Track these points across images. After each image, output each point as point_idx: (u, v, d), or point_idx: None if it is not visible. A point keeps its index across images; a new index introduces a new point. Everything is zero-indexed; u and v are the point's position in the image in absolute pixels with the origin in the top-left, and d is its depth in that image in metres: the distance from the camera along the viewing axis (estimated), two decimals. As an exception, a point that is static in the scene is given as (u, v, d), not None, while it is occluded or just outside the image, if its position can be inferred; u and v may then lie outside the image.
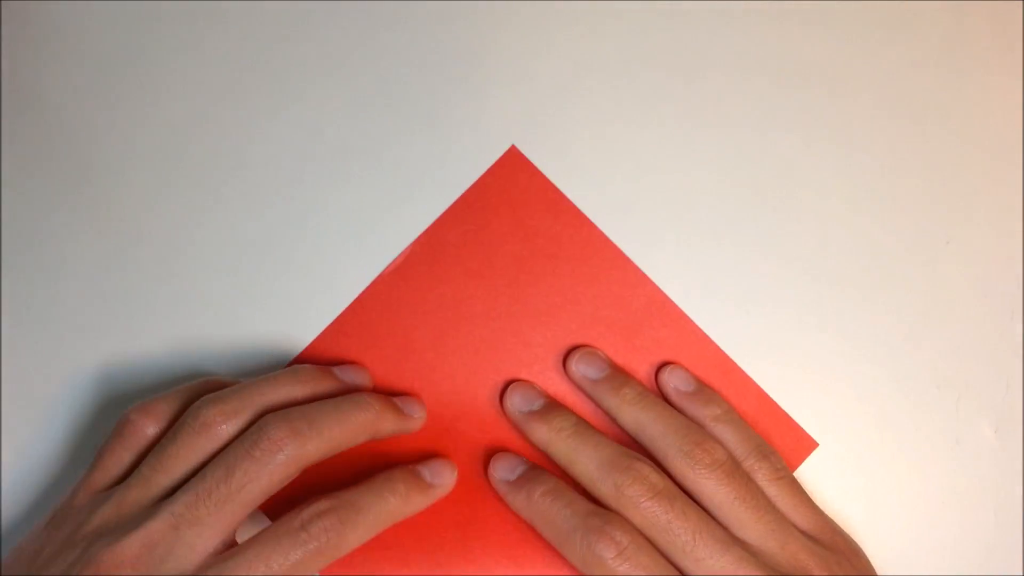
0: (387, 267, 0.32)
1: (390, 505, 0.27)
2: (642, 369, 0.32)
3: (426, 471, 0.29)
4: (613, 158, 0.33)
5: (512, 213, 0.32)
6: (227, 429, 0.27)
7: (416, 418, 0.30)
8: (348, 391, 0.30)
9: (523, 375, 0.32)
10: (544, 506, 0.28)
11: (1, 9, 0.34)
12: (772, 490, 0.29)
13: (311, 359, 0.32)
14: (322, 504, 0.26)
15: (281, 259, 0.33)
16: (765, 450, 0.30)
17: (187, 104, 0.34)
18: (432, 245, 0.32)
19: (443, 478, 0.30)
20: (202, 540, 0.25)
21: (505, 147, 0.33)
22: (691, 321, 0.32)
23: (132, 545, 0.25)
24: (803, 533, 0.29)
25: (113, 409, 0.32)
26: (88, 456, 0.29)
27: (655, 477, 0.28)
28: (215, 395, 0.27)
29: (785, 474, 0.30)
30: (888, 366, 0.32)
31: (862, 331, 0.32)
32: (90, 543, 0.25)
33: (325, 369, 0.30)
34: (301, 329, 0.32)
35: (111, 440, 0.28)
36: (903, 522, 0.32)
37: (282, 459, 0.26)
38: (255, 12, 0.34)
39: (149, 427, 0.28)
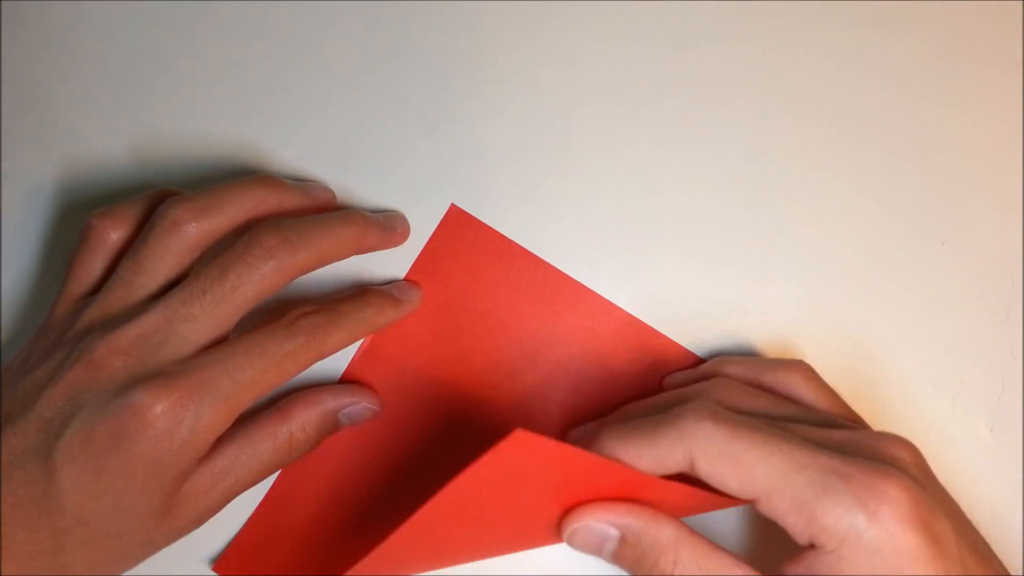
0: (355, 353, 0.32)
1: (366, 314, 0.29)
2: (630, 392, 0.31)
3: (395, 290, 0.31)
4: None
5: (466, 270, 0.32)
6: (196, 227, 0.27)
7: (399, 231, 0.32)
8: (318, 205, 0.31)
9: (504, 428, 0.30)
10: (615, 427, 0.25)
11: (1, 9, 0.34)
12: (816, 395, 0.28)
13: None
14: (308, 307, 0.28)
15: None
16: (793, 363, 0.29)
17: (187, 104, 0.34)
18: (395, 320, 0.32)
19: (411, 294, 0.31)
20: (196, 334, 0.26)
21: (444, 206, 0.33)
22: (667, 337, 0.32)
23: (127, 334, 0.25)
24: None
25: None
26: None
27: (706, 402, 0.25)
28: (183, 195, 0.28)
29: (821, 380, 0.29)
30: (884, 365, 0.32)
31: (858, 331, 0.32)
32: (80, 339, 0.26)
33: (287, 181, 0.31)
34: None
35: (78, 248, 0.28)
36: (899, 521, 0.32)
37: (273, 265, 0.27)
38: (256, 12, 0.34)
39: (112, 232, 0.28)
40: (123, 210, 0.29)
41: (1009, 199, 0.33)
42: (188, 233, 0.27)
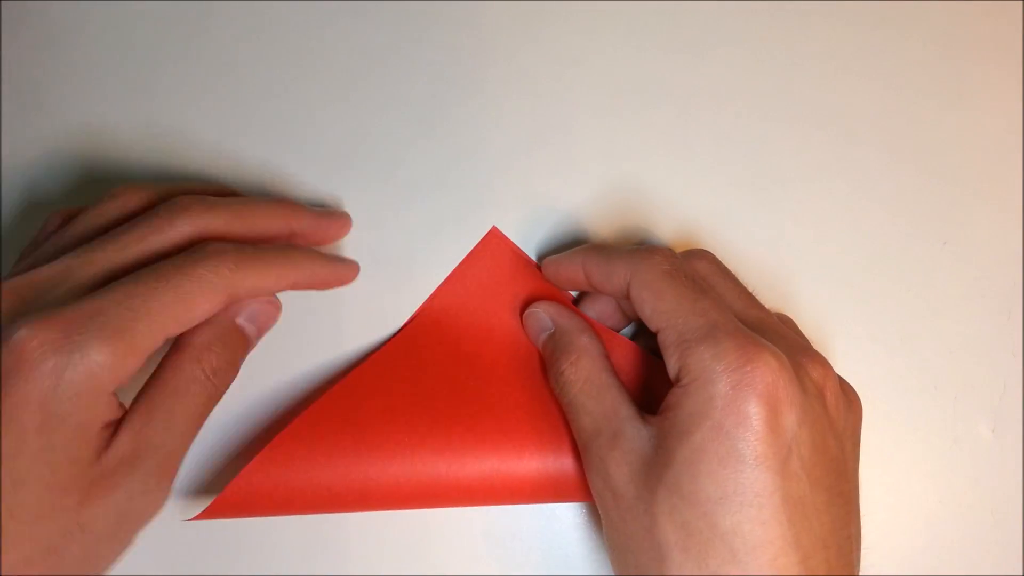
0: (376, 351, 0.32)
1: (291, 258, 0.27)
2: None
3: (328, 237, 0.31)
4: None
5: (498, 288, 0.32)
6: (137, 203, 0.27)
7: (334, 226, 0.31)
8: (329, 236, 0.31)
9: (531, 442, 0.30)
10: (583, 252, 0.29)
11: (1, 9, 0.34)
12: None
13: (300, 432, 0.31)
14: (222, 243, 0.25)
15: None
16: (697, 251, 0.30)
17: (187, 104, 0.34)
18: (417, 330, 0.32)
19: (345, 262, 0.30)
20: (92, 279, 0.24)
21: (486, 227, 0.33)
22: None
23: (24, 279, 0.24)
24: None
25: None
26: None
27: (670, 251, 0.27)
28: (201, 196, 0.27)
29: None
30: (886, 366, 0.32)
31: (860, 331, 0.32)
32: None
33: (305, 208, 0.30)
34: (292, 407, 0.32)
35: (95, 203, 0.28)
36: (901, 522, 0.32)
37: (187, 221, 0.25)
38: (256, 12, 0.34)
39: (131, 202, 0.27)
40: (148, 189, 0.28)
41: (1010, 199, 0.33)
42: (126, 205, 0.26)
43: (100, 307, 0.22)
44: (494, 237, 0.32)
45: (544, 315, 0.30)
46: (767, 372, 0.23)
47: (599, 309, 0.31)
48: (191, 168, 0.33)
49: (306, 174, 0.33)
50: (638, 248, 0.27)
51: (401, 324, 0.32)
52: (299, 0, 0.34)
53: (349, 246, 0.33)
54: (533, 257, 0.32)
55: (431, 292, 0.32)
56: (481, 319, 0.32)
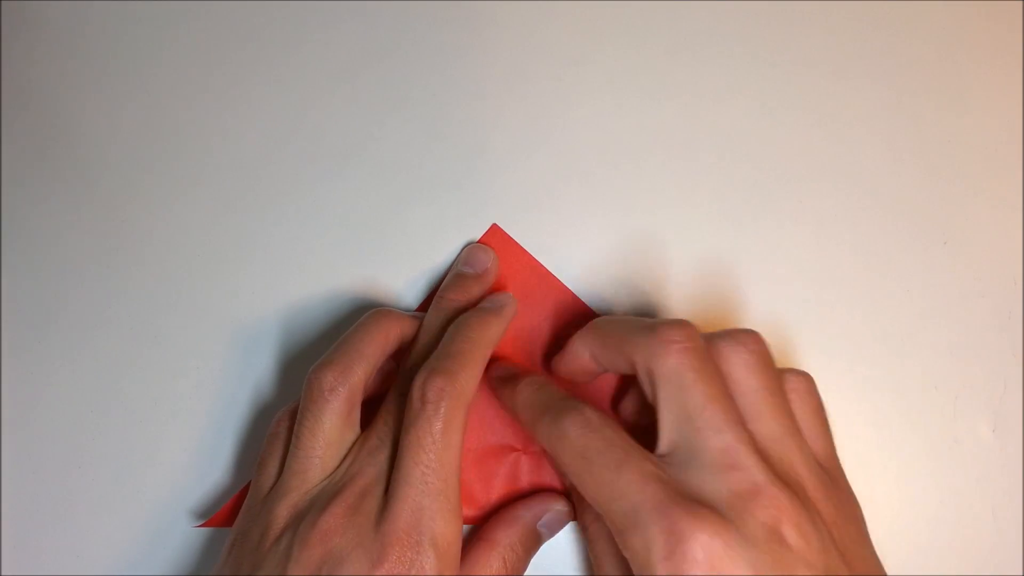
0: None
1: (480, 341, 0.28)
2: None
3: (488, 303, 0.30)
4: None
5: (499, 283, 0.32)
6: (345, 390, 0.27)
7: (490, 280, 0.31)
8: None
9: (521, 447, 0.31)
10: (524, 393, 0.28)
11: (1, 9, 0.34)
12: (797, 404, 0.26)
13: None
14: (422, 372, 0.26)
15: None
16: (798, 371, 0.27)
17: (187, 104, 0.34)
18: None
19: (505, 300, 0.30)
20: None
21: (486, 224, 0.33)
22: None
23: (334, 510, 0.25)
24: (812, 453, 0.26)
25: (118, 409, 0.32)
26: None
27: (693, 331, 0.25)
28: (321, 361, 0.27)
29: (817, 399, 0.27)
30: (886, 366, 0.32)
31: (860, 331, 0.32)
32: (290, 530, 0.25)
33: (396, 310, 0.30)
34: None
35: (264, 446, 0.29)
36: (902, 522, 0.32)
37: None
38: (255, 12, 0.34)
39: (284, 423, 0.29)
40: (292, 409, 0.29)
41: (1010, 198, 0.33)
42: (340, 397, 0.27)
43: (416, 510, 0.25)
44: (496, 233, 0.32)
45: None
46: (699, 549, 0.21)
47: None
48: (191, 168, 0.33)
49: (306, 174, 0.33)
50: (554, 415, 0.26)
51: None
52: (299, 0, 0.34)
53: (349, 246, 0.33)
54: (534, 256, 0.32)
55: (432, 290, 0.32)
56: None
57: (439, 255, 0.33)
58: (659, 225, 0.33)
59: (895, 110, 0.33)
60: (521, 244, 0.32)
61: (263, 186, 0.33)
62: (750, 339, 0.26)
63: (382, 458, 0.26)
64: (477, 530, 0.29)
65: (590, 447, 0.24)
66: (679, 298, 0.32)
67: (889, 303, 0.32)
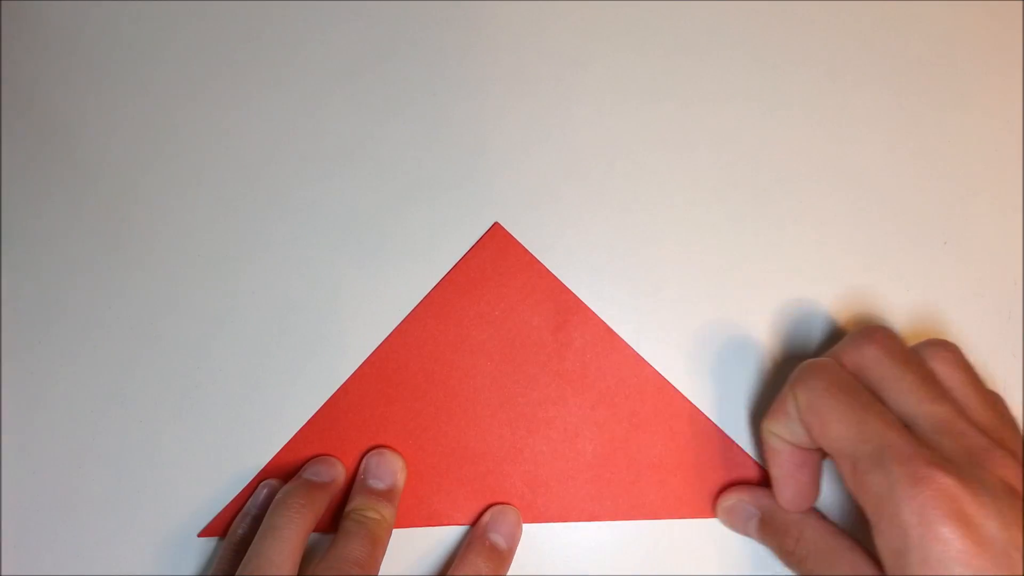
0: (374, 350, 0.32)
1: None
2: (632, 436, 0.31)
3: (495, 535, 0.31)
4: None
5: (497, 290, 0.32)
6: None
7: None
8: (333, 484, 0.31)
9: (512, 448, 0.31)
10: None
11: (1, 9, 0.34)
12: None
13: (309, 433, 0.32)
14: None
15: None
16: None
17: (187, 104, 0.34)
18: (418, 325, 0.32)
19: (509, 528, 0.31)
20: None
21: (488, 224, 0.33)
22: (675, 389, 0.31)
23: None
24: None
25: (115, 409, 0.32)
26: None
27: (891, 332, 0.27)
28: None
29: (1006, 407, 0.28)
30: (886, 366, 0.32)
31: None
32: None
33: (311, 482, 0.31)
34: (298, 405, 0.32)
35: None
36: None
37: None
38: (254, 12, 0.34)
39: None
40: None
41: (1011, 199, 0.33)
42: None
43: None
44: (497, 232, 0.32)
45: (745, 503, 0.30)
46: (944, 491, 0.22)
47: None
48: (191, 168, 0.33)
49: (306, 174, 0.33)
50: (800, 367, 0.27)
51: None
52: (299, 0, 0.34)
53: (349, 246, 0.33)
54: (534, 256, 0.32)
55: (432, 290, 0.32)
56: (484, 312, 0.32)
57: (439, 255, 0.33)
58: (659, 225, 0.33)
59: (895, 110, 0.33)
60: (522, 243, 0.32)
61: (263, 186, 0.33)
62: (947, 342, 0.27)
63: None
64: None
65: (837, 384, 0.25)
66: (679, 298, 0.32)
67: (889, 302, 0.32)
